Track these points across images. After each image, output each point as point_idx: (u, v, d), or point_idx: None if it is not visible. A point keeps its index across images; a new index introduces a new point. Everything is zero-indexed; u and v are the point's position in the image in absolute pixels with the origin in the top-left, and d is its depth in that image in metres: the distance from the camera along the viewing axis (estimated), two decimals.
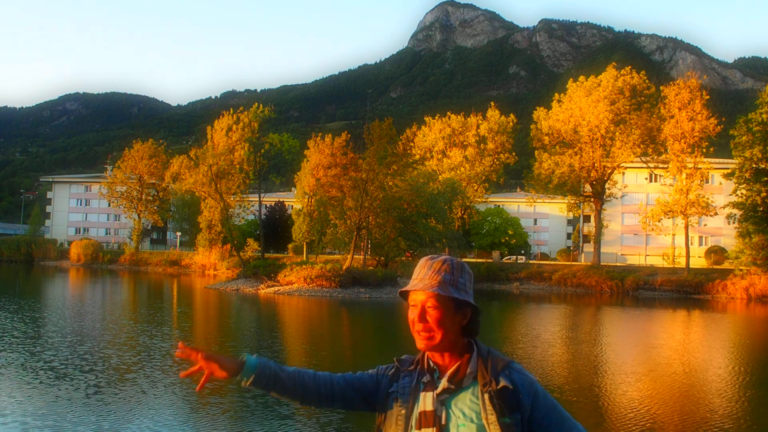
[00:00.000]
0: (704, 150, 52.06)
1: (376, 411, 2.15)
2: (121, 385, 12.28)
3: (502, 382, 1.98)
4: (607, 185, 57.49)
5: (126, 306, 32.70)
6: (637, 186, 74.36)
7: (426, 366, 2.08)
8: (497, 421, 1.94)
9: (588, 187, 59.09)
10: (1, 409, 10.03)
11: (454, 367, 2.04)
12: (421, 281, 2.05)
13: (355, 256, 47.73)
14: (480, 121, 66.56)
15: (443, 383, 2.02)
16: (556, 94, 59.05)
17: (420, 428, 1.99)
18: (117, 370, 13.71)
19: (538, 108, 61.07)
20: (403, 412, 2.04)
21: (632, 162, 57.85)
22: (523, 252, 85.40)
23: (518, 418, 1.95)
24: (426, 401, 2.01)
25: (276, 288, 42.26)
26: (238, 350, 18.50)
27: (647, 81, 55.38)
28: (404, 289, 2.09)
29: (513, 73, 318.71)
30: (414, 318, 2.03)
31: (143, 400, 11.10)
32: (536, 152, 58.48)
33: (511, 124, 66.39)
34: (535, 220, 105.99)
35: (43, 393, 11.37)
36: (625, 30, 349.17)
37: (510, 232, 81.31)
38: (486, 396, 1.97)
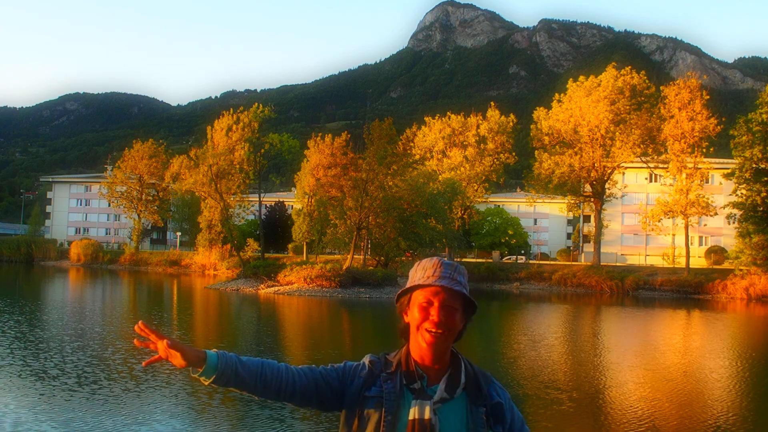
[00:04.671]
0: (704, 150, 52.03)
1: (342, 411, 2.06)
2: (135, 392, 12.05)
3: (496, 398, 2.07)
4: (607, 185, 57.46)
5: (127, 307, 32.72)
6: (637, 186, 74.33)
7: (414, 371, 2.02)
8: None
9: (588, 187, 59.05)
10: (17, 417, 9.86)
11: (446, 375, 2.03)
12: (442, 279, 2.01)
13: (355, 256, 47.71)
14: (480, 121, 66.49)
15: (440, 392, 1.98)
16: (556, 94, 59.01)
17: None
18: (129, 377, 13.50)
19: (538, 108, 61.02)
20: (389, 418, 1.96)
21: (632, 162, 57.82)
22: (523, 252, 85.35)
23: (500, 431, 2.05)
24: (419, 409, 1.96)
25: (276, 288, 42.26)
26: (238, 350, 18.49)
27: (647, 81, 55.33)
28: (421, 283, 2.02)
29: (513, 73, 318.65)
30: (433, 313, 1.99)
31: (160, 408, 10.99)
32: (536, 152, 58.44)
33: (511, 124, 66.32)
34: (535, 220, 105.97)
35: (54, 399, 11.28)
36: (625, 30, 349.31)
37: (510, 232, 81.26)
38: (481, 410, 2.02)
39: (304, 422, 10.18)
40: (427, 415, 1.93)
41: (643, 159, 57.21)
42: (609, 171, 56.97)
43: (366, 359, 2.11)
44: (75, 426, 9.47)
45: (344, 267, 43.62)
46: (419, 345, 2.03)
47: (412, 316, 2.04)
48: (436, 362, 2.03)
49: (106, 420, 9.87)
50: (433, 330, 1.97)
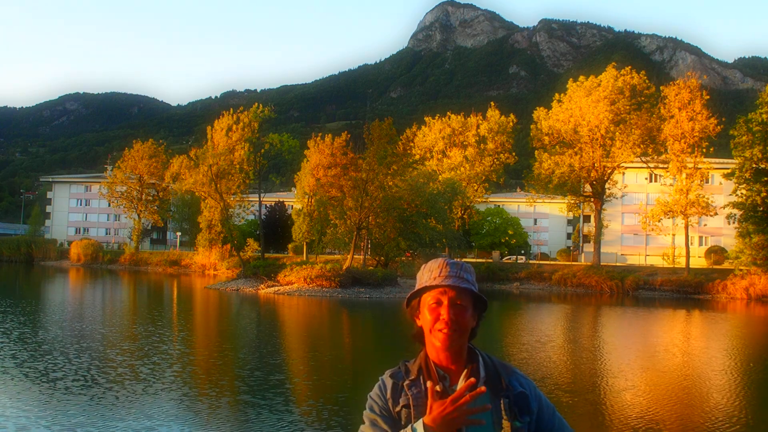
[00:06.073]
0: (704, 150, 52.04)
1: None
2: (142, 395, 11.90)
3: (519, 388, 2.04)
4: (607, 185, 57.46)
5: (128, 308, 32.72)
6: (637, 186, 74.34)
7: (434, 374, 2.02)
8: (510, 426, 1.97)
9: (588, 187, 59.05)
10: (22, 423, 9.73)
11: (465, 372, 2.01)
12: (449, 278, 2.01)
13: (355, 256, 47.71)
14: (480, 121, 66.51)
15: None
16: (556, 94, 59.00)
17: None
18: (136, 380, 13.33)
19: (538, 108, 61.00)
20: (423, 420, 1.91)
21: (632, 162, 57.82)
22: (523, 252, 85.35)
23: (527, 421, 2.01)
24: None
25: (276, 288, 42.25)
26: (239, 351, 18.49)
27: (647, 81, 55.31)
28: (428, 284, 2.02)
29: (513, 73, 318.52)
30: (443, 312, 1.98)
31: (167, 411, 10.91)
32: (536, 152, 58.44)
33: (511, 124, 66.33)
34: (535, 220, 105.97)
35: (59, 403, 11.19)
36: (625, 30, 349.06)
37: (510, 232, 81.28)
38: (504, 402, 2.00)
39: (312, 426, 10.16)
40: None
41: (643, 159, 57.21)
42: (609, 171, 56.96)
43: (385, 375, 2.09)
44: (81, 431, 9.39)
45: (344, 267, 43.62)
46: (434, 346, 2.03)
47: (424, 318, 2.04)
48: (454, 361, 2.03)
49: (113, 424, 9.75)
50: (445, 330, 1.97)
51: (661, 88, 54.18)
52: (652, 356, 19.13)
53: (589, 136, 54.93)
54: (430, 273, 2.05)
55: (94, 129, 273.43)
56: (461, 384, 1.98)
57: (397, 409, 1.99)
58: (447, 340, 1.99)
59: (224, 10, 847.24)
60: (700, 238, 71.57)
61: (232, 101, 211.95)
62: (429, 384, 1.90)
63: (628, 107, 53.79)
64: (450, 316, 1.98)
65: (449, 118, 67.49)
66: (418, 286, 2.07)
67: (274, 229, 72.99)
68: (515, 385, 2.04)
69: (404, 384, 2.02)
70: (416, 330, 2.10)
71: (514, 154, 65.14)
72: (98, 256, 78.21)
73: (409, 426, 1.87)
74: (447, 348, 2.00)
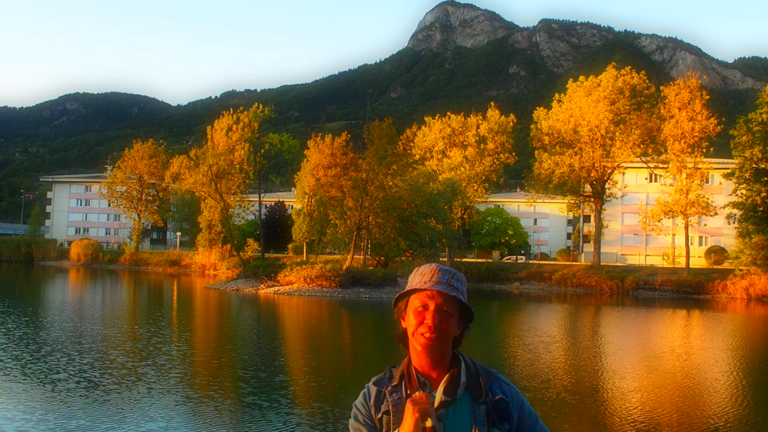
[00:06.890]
0: (704, 150, 52.07)
1: None
2: (147, 397, 11.83)
3: (498, 395, 2.04)
4: (607, 185, 57.48)
5: (129, 309, 32.72)
6: (637, 186, 74.35)
7: (416, 380, 2.03)
8: None
9: (588, 187, 59.07)
10: (22, 426, 9.65)
11: (446, 378, 2.01)
12: (439, 284, 2.01)
13: (355, 256, 47.72)
14: (480, 121, 66.46)
15: (439, 396, 1.98)
16: (556, 94, 59.03)
17: None
18: (140, 382, 13.25)
19: (538, 108, 61.04)
20: (398, 430, 1.95)
21: (632, 162, 57.84)
22: (523, 252, 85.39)
23: (506, 429, 2.02)
24: None
25: (276, 288, 42.25)
26: (241, 352, 18.50)
27: (647, 81, 55.35)
28: (417, 287, 2.02)
29: (513, 73, 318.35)
30: (428, 317, 1.99)
31: (171, 413, 10.90)
32: (536, 152, 58.47)
33: (511, 124, 66.28)
34: (535, 220, 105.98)
35: (61, 405, 11.20)
36: (625, 30, 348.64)
37: (510, 232, 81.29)
38: (482, 408, 2.00)
39: (318, 428, 10.15)
40: (429, 422, 1.91)
41: (643, 159, 57.23)
42: (609, 171, 56.98)
43: (370, 383, 2.12)
44: None
45: (344, 267, 43.62)
46: (415, 350, 2.04)
47: (409, 321, 2.04)
48: (435, 367, 2.03)
49: (116, 426, 9.69)
50: (427, 334, 1.98)
51: (661, 88, 54.21)
52: (657, 357, 19.13)
53: (589, 136, 54.95)
54: (421, 276, 2.05)
55: (94, 129, 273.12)
56: (440, 391, 1.99)
57: (379, 416, 2.01)
58: (428, 345, 1.99)
59: (224, 9, 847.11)
60: (700, 238, 71.58)
61: (232, 101, 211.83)
62: (417, 394, 1.94)
63: (628, 107, 53.81)
64: (434, 321, 1.98)
65: (449, 118, 67.43)
66: (407, 288, 2.07)
67: (274, 229, 73.01)
68: (495, 391, 2.05)
69: (386, 390, 2.04)
70: (400, 331, 2.10)
71: (514, 154, 65.08)
72: (98, 256, 78.24)
73: None
74: (427, 353, 2.01)
